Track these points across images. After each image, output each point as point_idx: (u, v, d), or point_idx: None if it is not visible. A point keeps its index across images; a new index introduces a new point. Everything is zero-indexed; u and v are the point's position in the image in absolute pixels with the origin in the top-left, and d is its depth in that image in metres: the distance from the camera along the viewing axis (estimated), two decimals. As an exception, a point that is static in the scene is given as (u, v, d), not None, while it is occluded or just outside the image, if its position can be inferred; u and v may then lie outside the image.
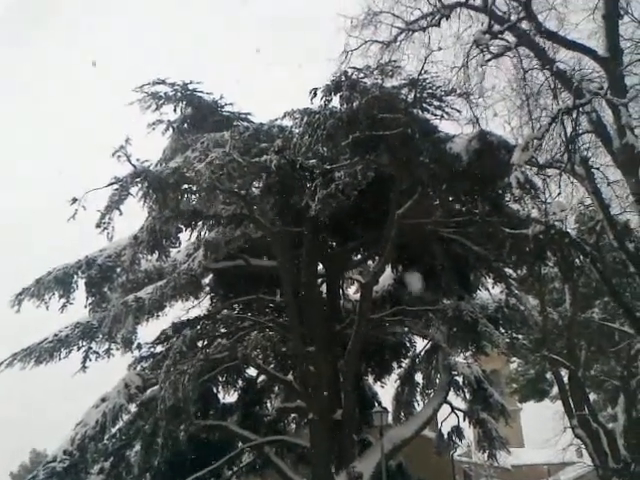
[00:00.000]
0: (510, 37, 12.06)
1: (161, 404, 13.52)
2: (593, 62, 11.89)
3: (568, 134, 10.96)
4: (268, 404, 18.97)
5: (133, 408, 15.37)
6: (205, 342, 15.30)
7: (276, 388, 18.78)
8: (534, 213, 13.29)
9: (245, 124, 15.38)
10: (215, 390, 17.50)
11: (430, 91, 13.05)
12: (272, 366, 17.51)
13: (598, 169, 12.96)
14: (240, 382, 18.02)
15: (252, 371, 17.75)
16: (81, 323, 15.73)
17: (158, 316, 15.24)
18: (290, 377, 17.06)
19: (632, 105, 11.14)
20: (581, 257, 14.62)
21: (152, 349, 15.99)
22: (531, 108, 11.76)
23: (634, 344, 20.09)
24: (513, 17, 12.02)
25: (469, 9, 12.64)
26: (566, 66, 12.21)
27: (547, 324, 20.41)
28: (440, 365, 17.47)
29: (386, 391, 19.35)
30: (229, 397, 17.99)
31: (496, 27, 11.83)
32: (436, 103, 13.25)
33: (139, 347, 15.51)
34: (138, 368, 15.89)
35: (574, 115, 10.86)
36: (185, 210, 13.86)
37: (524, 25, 12.04)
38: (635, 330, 12.99)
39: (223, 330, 15.98)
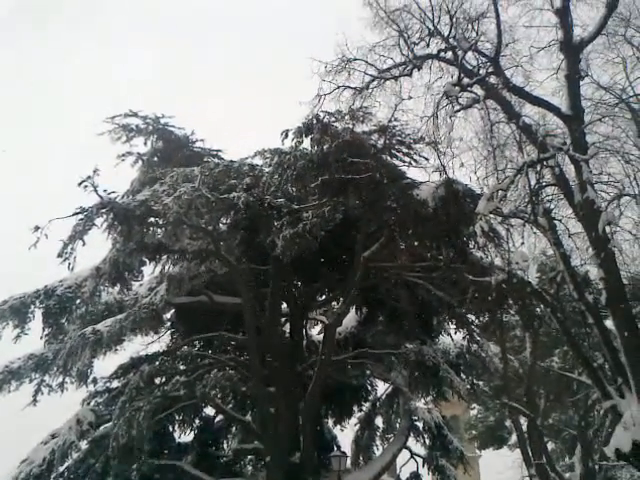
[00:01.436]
0: (479, 90, 12.42)
1: (114, 441, 13.16)
2: (557, 118, 12.29)
3: (532, 186, 11.24)
4: (225, 445, 18.53)
5: (84, 445, 14.86)
6: (163, 379, 14.99)
7: (234, 428, 18.40)
8: (497, 261, 13.47)
9: (216, 160, 15.40)
10: (171, 429, 17.05)
11: (399, 138, 13.34)
12: (231, 406, 17.21)
13: (560, 221, 13.25)
14: (197, 421, 17.59)
15: (210, 410, 17.38)
16: (35, 355, 15.27)
17: (116, 350, 14.87)
18: (249, 418, 16.79)
19: (592, 162, 11.47)
20: (542, 306, 14.79)
21: (108, 384, 15.64)
22: (497, 159, 12.04)
23: (591, 394, 20.35)
24: (482, 71, 12.40)
25: (440, 61, 12.99)
26: (531, 121, 12.62)
27: (507, 371, 20.60)
28: (401, 409, 17.40)
29: (345, 434, 19.12)
30: (185, 436, 17.54)
31: (466, 80, 12.19)
32: (405, 150, 13.53)
33: (94, 382, 15.14)
34: (92, 403, 15.46)
35: (538, 168, 11.17)
36: (150, 243, 13.68)
37: (492, 79, 12.42)
38: (592, 381, 13.06)
39: (182, 367, 15.68)
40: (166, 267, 15.52)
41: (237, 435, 18.44)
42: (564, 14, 12.02)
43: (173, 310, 16.32)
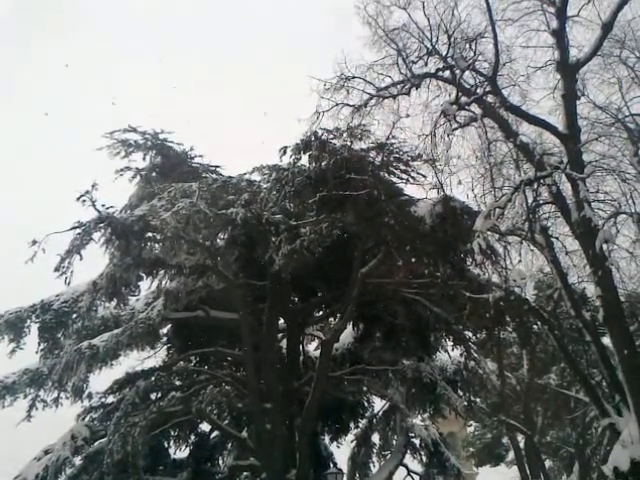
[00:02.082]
0: (476, 109, 12.52)
1: (108, 457, 13.07)
2: (554, 137, 12.39)
3: (529, 204, 11.32)
4: (220, 461, 18.36)
5: (78, 461, 14.73)
6: (159, 394, 14.91)
7: (229, 445, 18.24)
8: (495, 279, 13.51)
9: (214, 176, 15.43)
10: (166, 444, 16.90)
11: (397, 155, 13.42)
12: (226, 422, 17.09)
13: (557, 238, 13.33)
14: (192, 437, 17.45)
15: (205, 426, 17.26)
16: (30, 370, 15.16)
17: (112, 365, 14.77)
18: (244, 434, 16.65)
19: (589, 180, 11.56)
20: (539, 324, 14.83)
21: (103, 399, 15.51)
22: (494, 177, 12.15)
23: (589, 412, 20.30)
24: (479, 90, 12.52)
25: (438, 80, 13.12)
26: (528, 139, 12.74)
27: (505, 388, 20.55)
28: (397, 426, 17.29)
29: (342, 451, 18.97)
30: (180, 452, 17.39)
31: (463, 99, 12.29)
32: (402, 167, 13.60)
33: (90, 397, 15.02)
34: (87, 419, 15.34)
35: (535, 186, 11.24)
36: (147, 258, 13.67)
37: (490, 98, 12.54)
38: (590, 398, 13.08)
39: (178, 383, 15.60)
40: (163, 282, 15.50)
41: (233, 451, 18.28)
42: (560, 35, 12.17)
43: (169, 325, 16.25)
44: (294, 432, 15.15)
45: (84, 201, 12.27)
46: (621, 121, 12.25)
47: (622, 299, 12.18)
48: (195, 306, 14.86)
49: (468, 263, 14.46)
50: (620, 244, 11.97)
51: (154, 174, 16.32)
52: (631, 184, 11.56)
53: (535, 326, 15.30)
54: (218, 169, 16.56)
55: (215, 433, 17.66)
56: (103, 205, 12.65)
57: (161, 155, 16.32)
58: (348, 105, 13.43)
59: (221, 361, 16.76)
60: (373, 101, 13.33)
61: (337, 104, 13.42)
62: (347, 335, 16.78)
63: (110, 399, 15.49)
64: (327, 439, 18.61)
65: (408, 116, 13.22)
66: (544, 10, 12.63)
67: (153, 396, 14.79)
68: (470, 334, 16.38)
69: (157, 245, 13.72)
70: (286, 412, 14.91)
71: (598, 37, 11.99)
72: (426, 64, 13.11)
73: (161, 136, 16.20)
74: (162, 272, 15.34)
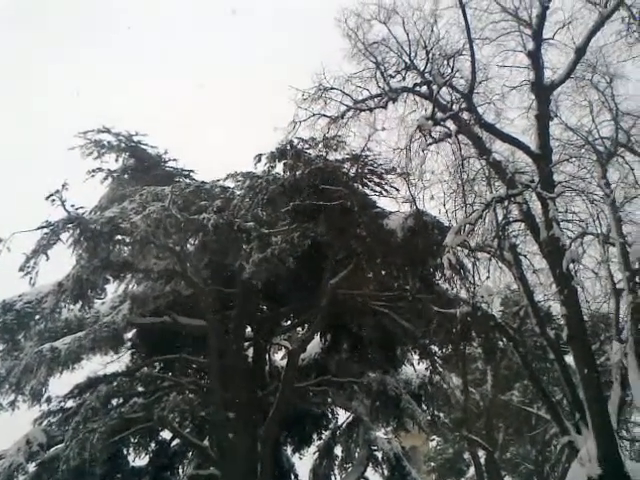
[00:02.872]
0: (451, 125, 12.65)
1: (64, 464, 12.76)
2: (526, 156, 12.60)
3: (499, 221, 11.48)
4: (180, 470, 18.05)
5: (32, 468, 14.31)
6: (120, 400, 14.63)
7: (190, 453, 17.94)
8: (462, 294, 13.63)
9: (187, 181, 15.32)
10: (125, 452, 16.55)
11: (372, 168, 13.51)
12: (188, 430, 16.82)
13: (525, 256, 13.53)
14: (153, 445, 17.12)
15: (167, 434, 16.95)
16: (-14, 372, 14.72)
17: (73, 369, 14.42)
18: (206, 443, 16.40)
19: (558, 200, 11.77)
20: (504, 340, 14.99)
21: (62, 404, 15.11)
22: (466, 194, 12.25)
23: (549, 429, 20.57)
24: (455, 107, 12.67)
25: (415, 95, 13.24)
26: (501, 157, 12.93)
27: (468, 404, 20.71)
28: (360, 439, 17.24)
29: (304, 463, 18.85)
30: (140, 460, 17.05)
31: (439, 114, 12.42)
32: (376, 180, 13.69)
33: (48, 401, 14.61)
34: (44, 423, 14.94)
35: (506, 204, 11.41)
36: (115, 261, 13.46)
37: (465, 115, 12.69)
38: (551, 416, 13.24)
39: (141, 389, 15.33)
40: (130, 286, 15.28)
41: (193, 460, 17.98)
42: (536, 56, 12.40)
43: (135, 330, 15.99)
44: (256, 442, 14.99)
45: (53, 201, 12.05)
46: (591, 143, 12.54)
47: (586, 318, 12.39)
48: (162, 311, 14.66)
49: (437, 277, 14.57)
50: (586, 264, 12.22)
51: (126, 176, 16.11)
52: (598, 205, 11.81)
53: (500, 342, 15.45)
54: (192, 174, 16.43)
55: (176, 441, 17.36)
56: (73, 205, 12.43)
57: (134, 157, 16.12)
58: (325, 116, 13.48)
59: (186, 368, 16.53)
60: (350, 113, 13.40)
61: (314, 114, 13.46)
62: (314, 346, 16.73)
63: (70, 403, 15.12)
64: (289, 450, 18.49)
65: (384, 129, 13.32)
66: (521, 31, 12.88)
67: (114, 402, 14.52)
68: (436, 348, 16.47)
69: (126, 248, 13.52)
70: (249, 422, 14.75)
71: (572, 61, 12.26)
72: (404, 79, 13.23)
73: (135, 138, 16.01)
74: (129, 276, 15.12)
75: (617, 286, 11.75)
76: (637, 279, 11.55)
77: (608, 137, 12.67)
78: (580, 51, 12.16)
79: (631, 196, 12.70)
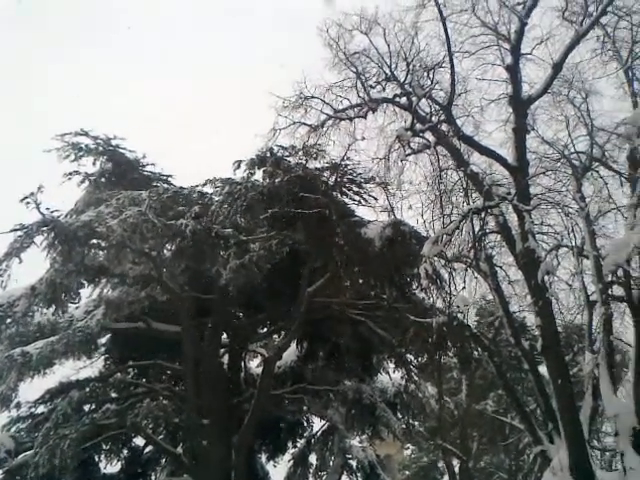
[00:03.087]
0: (430, 136, 12.78)
1: (32, 472, 12.58)
2: (503, 169, 12.74)
3: (476, 232, 11.56)
4: (153, 477, 17.86)
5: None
6: (93, 406, 14.46)
7: (163, 460, 17.78)
8: (439, 303, 13.71)
9: (165, 185, 15.20)
10: (97, 459, 16.31)
11: (351, 177, 13.57)
12: (162, 437, 16.65)
13: (501, 267, 13.66)
14: (125, 451, 16.91)
15: (139, 440, 16.77)
16: (-45, 376, 14.43)
17: (45, 374, 14.20)
18: (180, 450, 16.27)
19: (534, 213, 11.91)
20: (479, 350, 15.11)
21: (33, 409, 14.89)
22: (444, 204, 12.35)
23: (522, 439, 20.73)
24: (434, 119, 12.78)
25: (395, 106, 13.32)
26: (479, 169, 13.06)
27: (443, 413, 20.78)
28: (335, 447, 17.25)
29: (278, 471, 18.77)
30: (111, 467, 16.82)
31: (418, 126, 12.53)
32: (355, 189, 13.75)
33: (18, 406, 14.36)
34: (13, 429, 14.68)
35: (483, 215, 11.50)
36: (90, 265, 13.29)
37: (444, 127, 12.81)
38: (524, 425, 13.38)
39: (114, 395, 15.18)
40: (105, 290, 15.13)
41: (166, 467, 17.81)
42: (514, 71, 12.57)
43: (109, 335, 15.80)
44: (231, 449, 14.89)
45: (28, 203, 11.88)
46: (567, 157, 12.69)
47: (559, 330, 12.53)
48: (137, 317, 14.52)
49: (414, 287, 14.66)
50: (560, 276, 12.36)
51: (103, 180, 15.94)
52: (573, 218, 11.97)
53: (475, 352, 15.56)
54: (170, 179, 16.34)
55: (149, 448, 17.20)
56: (48, 208, 12.26)
57: (112, 161, 15.97)
58: (305, 124, 13.50)
59: (160, 374, 16.39)
60: (330, 122, 13.45)
61: (294, 122, 13.48)
62: (290, 353, 16.70)
63: (40, 409, 14.92)
64: (264, 458, 18.41)
65: (364, 139, 13.38)
66: (500, 46, 13.04)
67: (87, 407, 14.35)
68: (412, 357, 16.55)
69: (101, 252, 13.35)
70: (224, 429, 14.65)
71: (549, 76, 12.45)
72: (384, 89, 13.32)
73: (113, 142, 15.86)
74: (104, 280, 14.98)
75: (590, 298, 11.87)
76: (610, 291, 11.70)
77: (583, 151, 12.84)
78: (557, 67, 12.36)
79: (605, 210, 12.87)
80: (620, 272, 11.17)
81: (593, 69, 12.96)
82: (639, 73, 12.51)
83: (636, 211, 10.07)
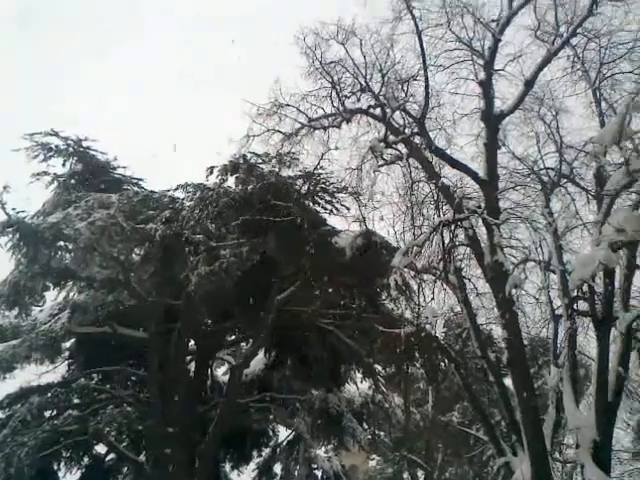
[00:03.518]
0: (403, 148, 12.85)
1: (-14, 481, 12.23)
2: (474, 182, 12.87)
3: (446, 244, 11.66)
4: (114, 486, 17.53)
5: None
6: (54, 412, 14.20)
7: (125, 469, 17.47)
8: (407, 314, 13.80)
9: (135, 189, 15.06)
10: (56, 467, 15.93)
11: (323, 186, 13.61)
12: (124, 444, 16.35)
13: (469, 280, 13.72)
14: (86, 459, 16.55)
15: (101, 448, 16.43)
16: None
17: (5, 378, 13.90)
18: (142, 458, 15.99)
19: (503, 226, 12.05)
20: (446, 361, 15.20)
21: (-9, 415, 14.51)
22: (415, 216, 12.41)
23: (486, 451, 20.86)
24: (407, 131, 12.87)
25: (369, 117, 13.37)
26: (450, 182, 13.15)
27: (409, 423, 20.81)
28: (301, 457, 17.21)
29: (242, 480, 18.63)
30: (71, 475, 16.43)
31: (391, 137, 12.60)
32: (327, 198, 13.80)
33: (-25, 412, 14.03)
34: (-31, 436, 14.27)
35: (452, 228, 11.60)
36: (56, 268, 13.09)
37: (416, 139, 12.90)
38: (489, 437, 13.44)
39: (77, 401, 14.91)
40: (71, 294, 14.87)
41: (128, 476, 17.49)
42: (487, 86, 12.73)
43: (73, 339, 15.51)
44: (194, 458, 14.72)
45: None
46: (536, 173, 12.88)
47: (525, 343, 12.67)
48: (103, 321, 14.30)
49: (383, 297, 14.73)
50: (527, 290, 12.50)
51: (73, 181, 15.73)
52: (541, 233, 12.14)
53: (442, 364, 15.67)
54: (140, 182, 16.17)
55: (111, 456, 16.87)
56: (14, 209, 12.07)
57: (82, 163, 15.77)
58: (279, 132, 13.45)
59: (125, 380, 16.13)
60: (304, 130, 13.43)
61: (268, 130, 13.42)
62: (258, 361, 16.60)
63: (-1, 415, 14.54)
64: (228, 467, 18.26)
65: (337, 149, 13.40)
66: (474, 61, 13.20)
67: (47, 413, 14.07)
68: (380, 368, 16.60)
69: (68, 255, 13.16)
70: (188, 437, 14.47)
71: (521, 92, 12.65)
72: (359, 100, 13.36)
73: (84, 143, 15.68)
74: (71, 284, 14.76)
75: (556, 312, 12.05)
76: (575, 306, 11.89)
77: (552, 168, 13.04)
78: (529, 84, 12.58)
79: (572, 226, 13.08)
80: (585, 287, 11.36)
81: (563, 87, 13.24)
82: (606, 93, 12.83)
83: (602, 228, 10.24)
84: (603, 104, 12.74)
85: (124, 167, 16.18)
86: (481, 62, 12.99)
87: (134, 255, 13.90)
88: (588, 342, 12.68)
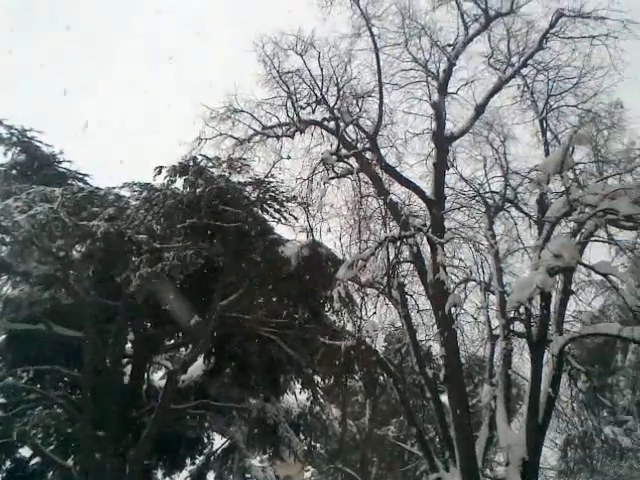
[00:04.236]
0: (354, 162, 13.03)
1: None
2: (421, 201, 13.13)
3: (390, 260, 11.82)
4: (38, 491, 16.85)
5: None
6: (-24, 412, 13.54)
7: (51, 473, 16.82)
8: (349, 327, 13.88)
9: (80, 184, 14.65)
10: (-26, 471, 15.27)
11: (273, 194, 13.54)
12: (51, 448, 15.75)
13: (411, 296, 13.98)
14: (8, 463, 15.85)
15: (26, 451, 15.78)
16: None
17: None
18: (70, 462, 15.46)
19: (447, 246, 12.30)
20: (385, 375, 15.34)
21: None
22: (362, 230, 12.57)
23: (420, 466, 21.11)
24: (360, 146, 13.05)
25: (322, 129, 13.52)
26: (398, 199, 13.42)
27: (345, 436, 20.89)
28: (235, 466, 17.02)
29: (174, 488, 18.22)
30: (-10, 480, 15.75)
31: (343, 151, 12.76)
32: (276, 206, 13.73)
33: None
34: None
35: (398, 244, 11.78)
36: (-10, 261, 12.60)
37: (368, 155, 13.10)
38: (423, 452, 13.64)
39: (2, 400, 14.28)
40: (4, 289, 14.30)
41: (53, 481, 16.90)
42: (439, 108, 13.05)
43: (4, 335, 14.91)
44: (125, 464, 14.32)
45: None
46: (481, 195, 13.23)
47: (462, 361, 12.92)
48: (37, 318, 13.78)
49: (326, 309, 14.77)
50: (467, 309, 12.80)
51: (14, 172, 15.14)
52: (483, 254, 12.43)
53: (381, 377, 15.81)
54: (86, 178, 15.75)
55: (36, 459, 16.22)
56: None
57: (26, 153, 15.23)
58: (232, 137, 13.43)
59: (57, 381, 15.57)
60: (257, 138, 13.45)
61: (221, 134, 13.38)
62: (196, 367, 16.32)
63: None
64: (160, 474, 17.81)
65: (289, 158, 13.47)
66: (428, 82, 13.53)
67: (-32, 414, 13.43)
68: (319, 379, 16.60)
69: (4, 248, 12.69)
70: (120, 441, 14.09)
71: (471, 116, 13.02)
72: (313, 111, 13.48)
73: (29, 134, 15.17)
74: (5, 278, 14.17)
75: (493, 332, 12.34)
76: (512, 327, 12.20)
77: (497, 192, 13.43)
78: (479, 109, 12.96)
79: (513, 249, 13.51)
80: (522, 309, 11.67)
81: (512, 115, 13.71)
82: (552, 124, 13.30)
83: (541, 253, 10.57)
84: (549, 134, 13.23)
85: (70, 161, 15.72)
86: (435, 84, 13.32)
87: (74, 252, 13.49)
88: (523, 363, 13.06)
